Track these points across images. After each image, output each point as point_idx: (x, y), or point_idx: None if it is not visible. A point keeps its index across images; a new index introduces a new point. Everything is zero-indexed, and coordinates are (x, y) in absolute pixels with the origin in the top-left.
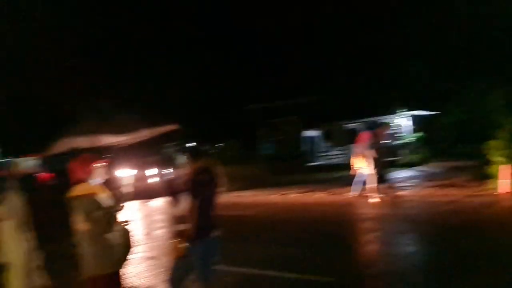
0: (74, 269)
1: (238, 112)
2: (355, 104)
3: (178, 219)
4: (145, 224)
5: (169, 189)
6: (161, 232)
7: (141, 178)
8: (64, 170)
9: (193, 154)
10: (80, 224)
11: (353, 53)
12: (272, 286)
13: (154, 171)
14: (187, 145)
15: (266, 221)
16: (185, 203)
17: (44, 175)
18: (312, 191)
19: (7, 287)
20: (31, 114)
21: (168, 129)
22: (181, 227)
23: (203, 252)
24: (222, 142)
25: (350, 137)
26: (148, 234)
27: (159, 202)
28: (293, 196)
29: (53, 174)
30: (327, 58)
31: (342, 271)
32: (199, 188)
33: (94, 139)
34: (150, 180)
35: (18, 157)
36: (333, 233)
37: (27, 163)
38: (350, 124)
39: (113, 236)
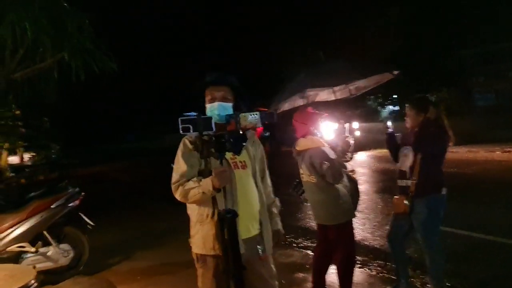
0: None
1: (447, 58)
2: None
3: (402, 174)
4: (361, 178)
5: (390, 143)
6: (379, 186)
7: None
8: (269, 124)
9: (419, 105)
10: (308, 176)
11: None
12: (494, 253)
13: (356, 124)
14: (412, 96)
15: (486, 181)
16: (409, 157)
17: (259, 128)
18: None
19: (243, 232)
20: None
21: (385, 78)
22: (405, 182)
23: (428, 211)
24: (430, 92)
25: None
26: (365, 188)
27: (363, 157)
28: None
29: (261, 128)
30: None
31: None
32: (427, 142)
33: (312, 92)
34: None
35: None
36: None
37: (252, 117)
38: None
39: (343, 187)
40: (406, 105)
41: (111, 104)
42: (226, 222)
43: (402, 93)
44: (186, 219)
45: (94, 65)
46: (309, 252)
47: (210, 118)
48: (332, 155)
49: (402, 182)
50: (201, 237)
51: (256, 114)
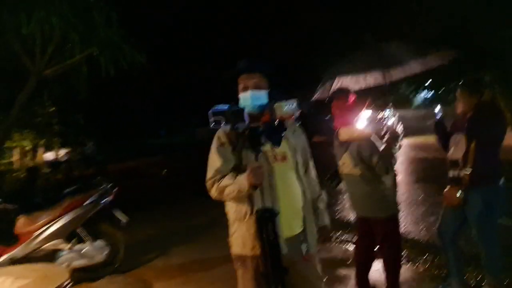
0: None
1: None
2: None
3: (453, 164)
4: (407, 167)
5: (439, 130)
6: (417, 176)
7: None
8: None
9: (473, 87)
10: (352, 168)
11: None
12: None
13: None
14: (465, 78)
15: None
16: (462, 145)
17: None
18: None
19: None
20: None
21: (441, 61)
22: (458, 173)
23: (484, 203)
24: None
25: None
26: (403, 178)
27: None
28: None
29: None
30: None
31: None
32: (483, 127)
33: (360, 78)
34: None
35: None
36: None
37: (289, 106)
38: None
39: (388, 178)
40: (458, 88)
41: (143, 99)
42: (264, 222)
43: (438, 78)
44: (223, 213)
45: (122, 59)
46: (349, 247)
47: (243, 109)
48: (380, 145)
49: (454, 173)
50: (240, 236)
51: (292, 103)
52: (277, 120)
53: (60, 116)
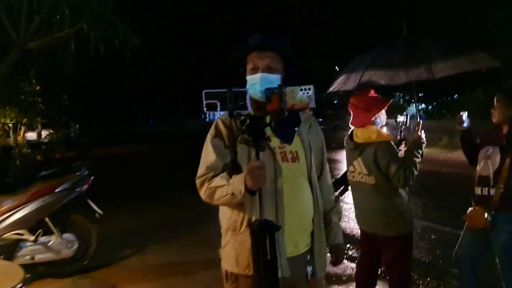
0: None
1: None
2: None
3: (483, 181)
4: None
5: (467, 141)
6: (424, 191)
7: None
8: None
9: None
10: (366, 175)
11: None
12: None
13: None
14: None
15: None
16: (496, 160)
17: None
18: None
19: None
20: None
21: (480, 65)
22: (488, 191)
23: None
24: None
25: None
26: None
27: None
28: None
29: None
30: None
31: None
32: None
33: (391, 74)
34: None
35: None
36: None
37: (304, 94)
38: None
39: (405, 192)
40: (496, 95)
41: (133, 84)
42: (261, 238)
43: (431, 91)
44: (212, 209)
45: (114, 38)
46: (351, 264)
47: (245, 92)
48: (401, 153)
49: (483, 191)
50: (233, 250)
51: (308, 90)
52: (288, 109)
53: (45, 95)
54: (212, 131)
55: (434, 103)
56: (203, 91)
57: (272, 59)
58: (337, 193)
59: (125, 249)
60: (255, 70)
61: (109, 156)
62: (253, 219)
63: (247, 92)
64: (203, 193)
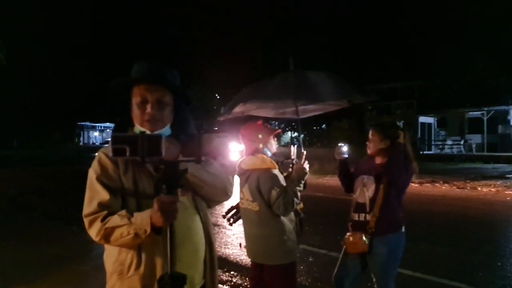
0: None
1: None
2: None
3: (359, 207)
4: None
5: (343, 170)
6: (330, 220)
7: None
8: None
9: (386, 130)
10: (250, 202)
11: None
12: None
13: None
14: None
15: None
16: (371, 188)
17: None
18: (432, 182)
19: None
20: None
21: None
22: (364, 217)
23: (389, 252)
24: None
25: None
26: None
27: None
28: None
29: None
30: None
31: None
32: (397, 172)
33: (271, 106)
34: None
35: None
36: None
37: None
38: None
39: (289, 220)
40: (370, 129)
41: None
42: None
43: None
44: (85, 241)
45: None
46: None
47: (159, 137)
48: (283, 181)
49: (360, 216)
50: None
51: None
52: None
53: None
54: (94, 166)
55: (306, 132)
56: (111, 135)
57: (163, 93)
58: (232, 221)
59: None
60: (143, 104)
61: None
62: (155, 261)
63: (162, 137)
64: (95, 234)
